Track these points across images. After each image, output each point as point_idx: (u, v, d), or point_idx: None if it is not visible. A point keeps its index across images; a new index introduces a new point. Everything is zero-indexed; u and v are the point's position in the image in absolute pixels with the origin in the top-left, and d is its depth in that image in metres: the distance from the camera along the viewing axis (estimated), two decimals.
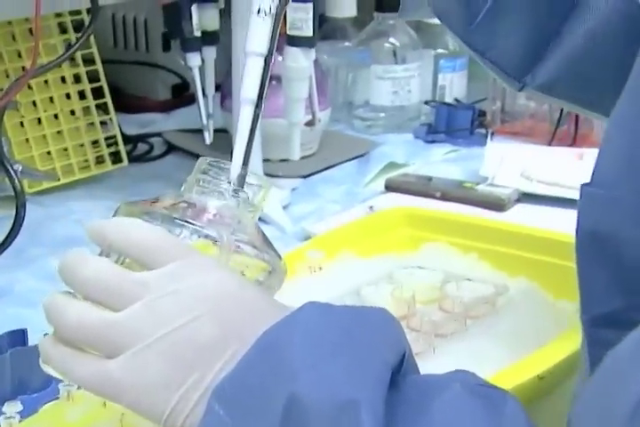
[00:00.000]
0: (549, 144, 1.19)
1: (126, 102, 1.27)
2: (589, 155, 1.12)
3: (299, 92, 1.00)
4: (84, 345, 0.46)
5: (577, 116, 1.18)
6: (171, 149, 1.21)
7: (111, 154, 1.12)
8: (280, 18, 0.55)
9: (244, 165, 0.53)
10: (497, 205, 1.02)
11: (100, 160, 1.12)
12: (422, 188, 1.06)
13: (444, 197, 1.04)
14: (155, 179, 1.13)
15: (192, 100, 1.33)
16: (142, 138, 1.23)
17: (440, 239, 0.79)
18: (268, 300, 0.47)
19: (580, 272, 0.44)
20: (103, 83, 1.11)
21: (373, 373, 0.41)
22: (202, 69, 1.04)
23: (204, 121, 1.02)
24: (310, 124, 1.06)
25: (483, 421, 0.41)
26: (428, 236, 0.80)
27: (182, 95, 1.35)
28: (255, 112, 0.54)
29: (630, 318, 0.41)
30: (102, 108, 1.13)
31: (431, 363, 0.63)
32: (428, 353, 0.64)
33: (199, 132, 1.19)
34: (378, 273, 0.72)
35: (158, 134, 1.24)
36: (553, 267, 0.74)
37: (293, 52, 0.99)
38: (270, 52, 0.55)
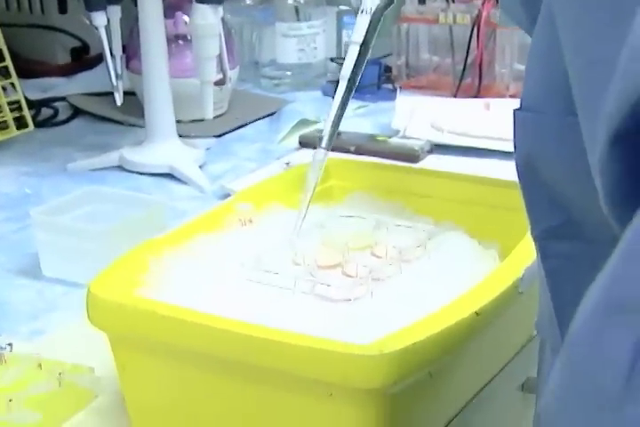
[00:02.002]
0: (455, 96, 1.21)
1: (24, 67, 1.22)
2: (495, 105, 1.14)
3: (209, 49, 0.99)
4: None
5: (480, 69, 1.20)
6: (77, 113, 1.18)
7: (15, 119, 1.09)
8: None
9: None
10: (410, 156, 1.04)
11: (3, 126, 1.08)
12: (337, 142, 1.05)
13: (359, 151, 1.05)
14: (63, 143, 1.10)
15: (93, 63, 1.30)
16: (45, 103, 1.19)
17: (363, 189, 0.80)
18: None
19: (523, 192, 0.47)
20: (2, 46, 1.08)
21: None
22: (106, 29, 1.01)
23: (114, 82, 1.00)
24: (221, 83, 1.05)
25: None
26: (351, 186, 0.81)
27: (82, 58, 1.32)
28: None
29: (569, 232, 0.45)
30: (2, 72, 1.09)
31: (370, 307, 0.64)
32: (366, 298, 0.65)
33: (104, 95, 1.16)
34: (308, 223, 0.73)
35: (61, 99, 1.21)
36: (476, 209, 0.76)
37: (202, 9, 0.98)
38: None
